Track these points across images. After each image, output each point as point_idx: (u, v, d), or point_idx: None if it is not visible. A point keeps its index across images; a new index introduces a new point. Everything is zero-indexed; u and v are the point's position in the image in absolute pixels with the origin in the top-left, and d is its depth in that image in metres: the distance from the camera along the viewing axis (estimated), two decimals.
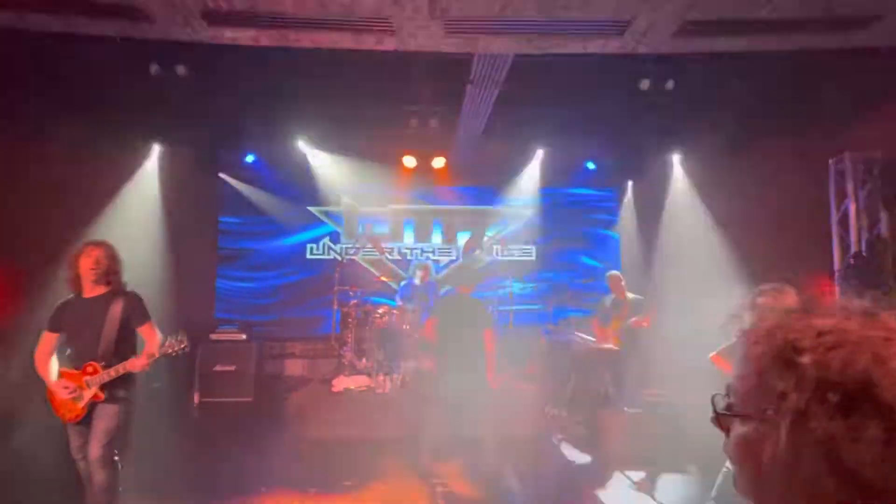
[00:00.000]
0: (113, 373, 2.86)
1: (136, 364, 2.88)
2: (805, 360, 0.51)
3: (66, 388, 2.86)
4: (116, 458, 2.95)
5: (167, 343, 2.95)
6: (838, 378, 0.49)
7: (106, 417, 2.89)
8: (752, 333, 0.60)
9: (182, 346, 2.96)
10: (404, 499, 3.69)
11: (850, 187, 6.12)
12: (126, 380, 2.95)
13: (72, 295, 3.00)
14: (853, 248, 6.00)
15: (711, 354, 2.89)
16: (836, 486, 0.48)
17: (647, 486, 3.86)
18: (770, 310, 0.60)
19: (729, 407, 0.61)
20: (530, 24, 3.90)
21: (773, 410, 0.53)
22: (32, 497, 3.28)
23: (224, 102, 6.00)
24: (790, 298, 2.22)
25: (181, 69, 4.73)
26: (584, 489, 3.96)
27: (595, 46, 4.15)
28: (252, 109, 6.31)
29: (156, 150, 7.08)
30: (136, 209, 6.89)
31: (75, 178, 6.65)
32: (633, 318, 5.17)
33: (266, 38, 4.12)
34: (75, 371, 2.91)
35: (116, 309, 2.94)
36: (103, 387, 2.88)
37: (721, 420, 0.61)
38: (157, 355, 2.91)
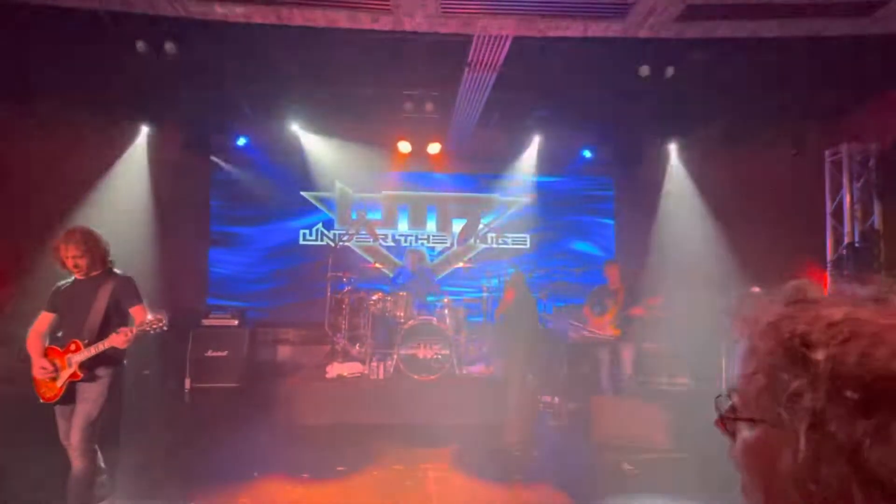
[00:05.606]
0: (94, 350, 2.85)
1: (115, 340, 2.84)
2: (818, 355, 0.46)
3: (44, 368, 2.85)
4: (96, 447, 2.90)
5: (145, 321, 2.92)
6: (856, 373, 0.44)
7: (87, 400, 2.87)
8: (756, 327, 0.54)
9: (160, 323, 2.90)
10: (396, 484, 3.68)
11: (845, 179, 6.13)
12: (108, 359, 2.92)
13: (72, 278, 3.03)
14: (846, 240, 6.03)
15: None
16: (862, 495, 0.42)
17: (642, 474, 3.87)
18: (770, 301, 0.54)
19: (734, 409, 0.55)
20: (531, 4, 3.82)
21: (786, 413, 0.47)
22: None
23: (215, 83, 5.84)
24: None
25: (170, 46, 4.57)
26: (577, 476, 3.97)
27: (597, 29, 4.07)
28: (244, 91, 6.16)
29: (144, 131, 6.91)
30: (125, 192, 6.74)
31: (60, 159, 6.48)
32: (629, 308, 5.17)
33: (258, 15, 3.99)
34: (60, 349, 2.92)
35: (106, 290, 2.97)
36: (84, 366, 2.86)
37: (726, 424, 0.55)
38: (134, 331, 2.86)
